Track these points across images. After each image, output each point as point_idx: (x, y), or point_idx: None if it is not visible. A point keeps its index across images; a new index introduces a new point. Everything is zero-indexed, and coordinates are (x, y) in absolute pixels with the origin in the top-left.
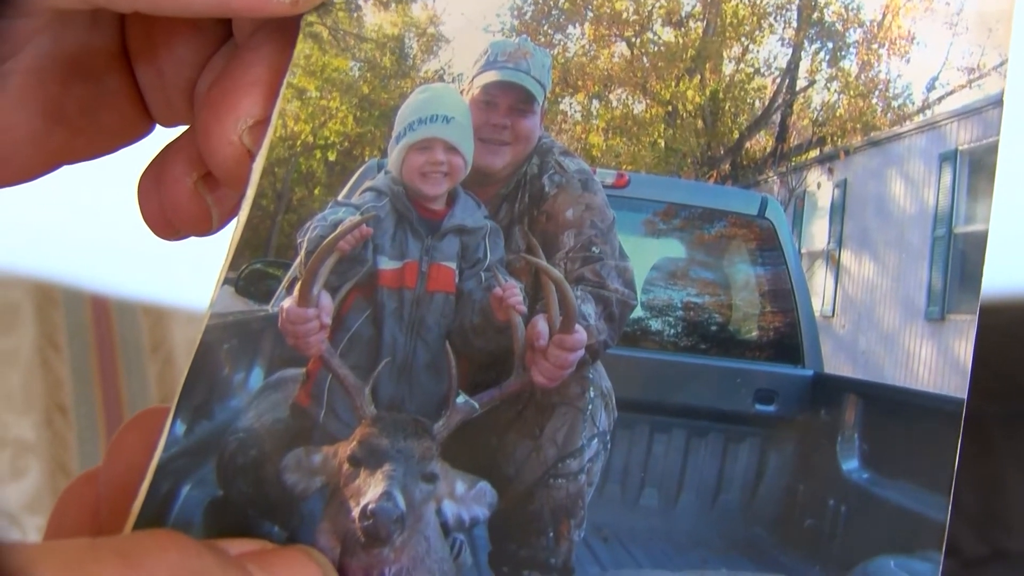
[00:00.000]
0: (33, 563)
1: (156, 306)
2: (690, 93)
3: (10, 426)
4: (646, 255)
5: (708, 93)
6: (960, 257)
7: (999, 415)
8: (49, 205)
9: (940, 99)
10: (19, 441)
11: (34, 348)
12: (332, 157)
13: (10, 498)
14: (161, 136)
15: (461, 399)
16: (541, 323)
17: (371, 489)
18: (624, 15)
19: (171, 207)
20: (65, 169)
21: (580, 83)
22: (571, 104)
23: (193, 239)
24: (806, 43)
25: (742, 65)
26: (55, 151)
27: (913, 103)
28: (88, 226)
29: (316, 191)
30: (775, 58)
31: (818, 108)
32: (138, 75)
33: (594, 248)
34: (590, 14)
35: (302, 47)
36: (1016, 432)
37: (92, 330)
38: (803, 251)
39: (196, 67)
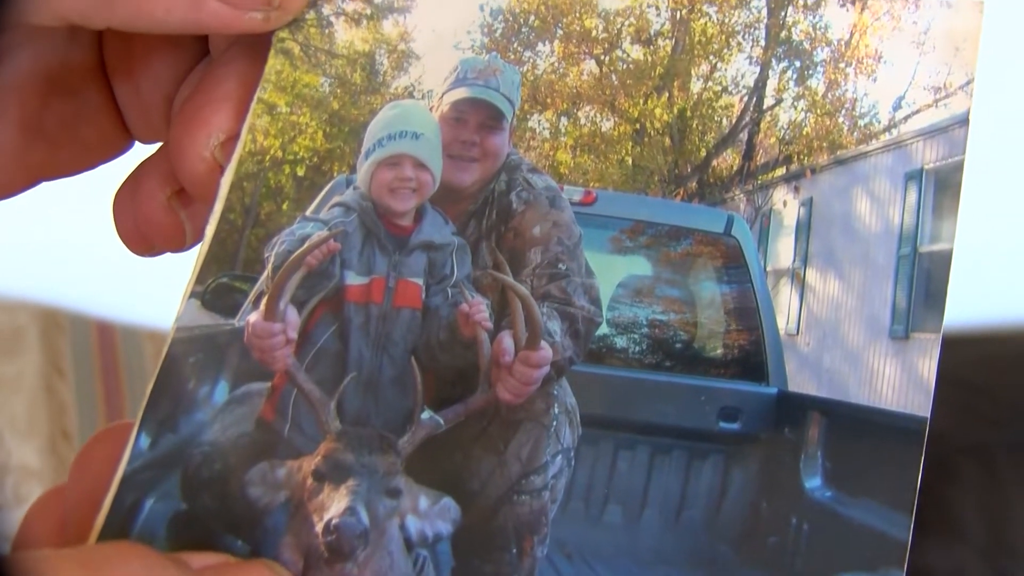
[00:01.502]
0: None
1: (161, 332)
2: (658, 111)
3: (14, 452)
4: (612, 272)
5: (676, 111)
6: (925, 276)
7: (1006, 443)
8: (55, 230)
9: (906, 118)
10: (23, 467)
11: (39, 373)
12: (301, 172)
13: (14, 524)
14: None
15: (426, 415)
16: (507, 339)
17: (335, 504)
18: (593, 33)
19: (145, 222)
20: (73, 194)
21: (549, 100)
22: (540, 121)
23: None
24: (774, 62)
25: (710, 83)
26: (35, 167)
27: (879, 122)
28: (94, 251)
29: (284, 206)
30: (743, 76)
31: (785, 126)
32: (116, 92)
33: (560, 265)
34: (560, 32)
35: (273, 63)
36: (1023, 460)
37: (97, 356)
38: (769, 269)
39: (173, 83)
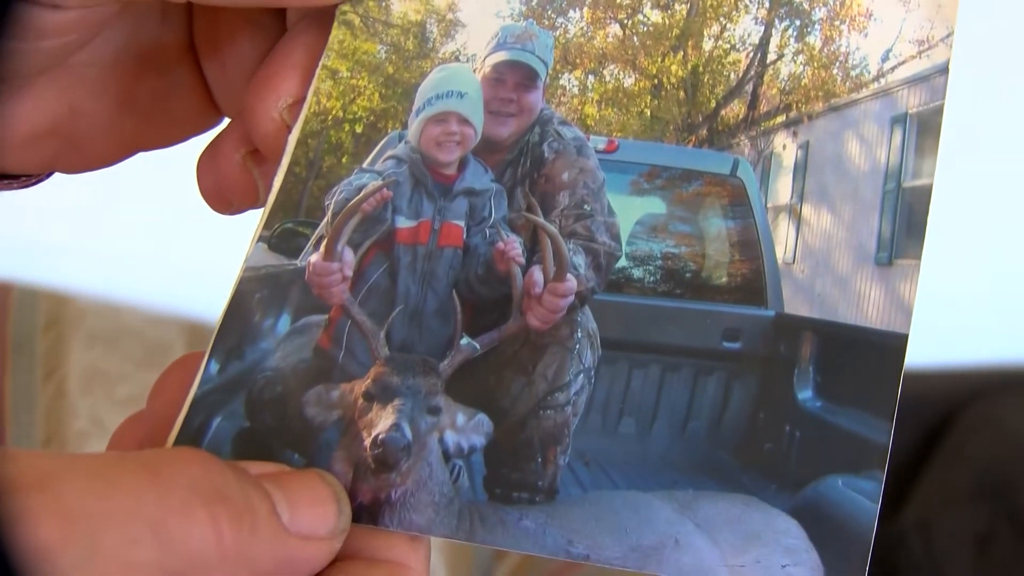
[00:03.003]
0: (58, 472)
1: None
2: (674, 68)
3: None
4: (631, 211)
5: (690, 67)
6: (907, 208)
7: None
8: (199, 245)
9: (893, 68)
10: None
11: None
12: (359, 129)
13: None
14: None
15: (465, 341)
16: (537, 273)
17: (382, 421)
18: (617, 0)
19: (223, 181)
20: (215, 213)
21: (578, 61)
22: (569, 79)
23: None
24: (776, 21)
25: (720, 42)
26: (129, 139)
27: (869, 72)
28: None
29: (344, 159)
30: (749, 35)
31: (785, 79)
32: (205, 70)
33: (586, 206)
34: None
35: (336, 33)
36: None
37: None
38: (769, 205)
39: (256, 61)
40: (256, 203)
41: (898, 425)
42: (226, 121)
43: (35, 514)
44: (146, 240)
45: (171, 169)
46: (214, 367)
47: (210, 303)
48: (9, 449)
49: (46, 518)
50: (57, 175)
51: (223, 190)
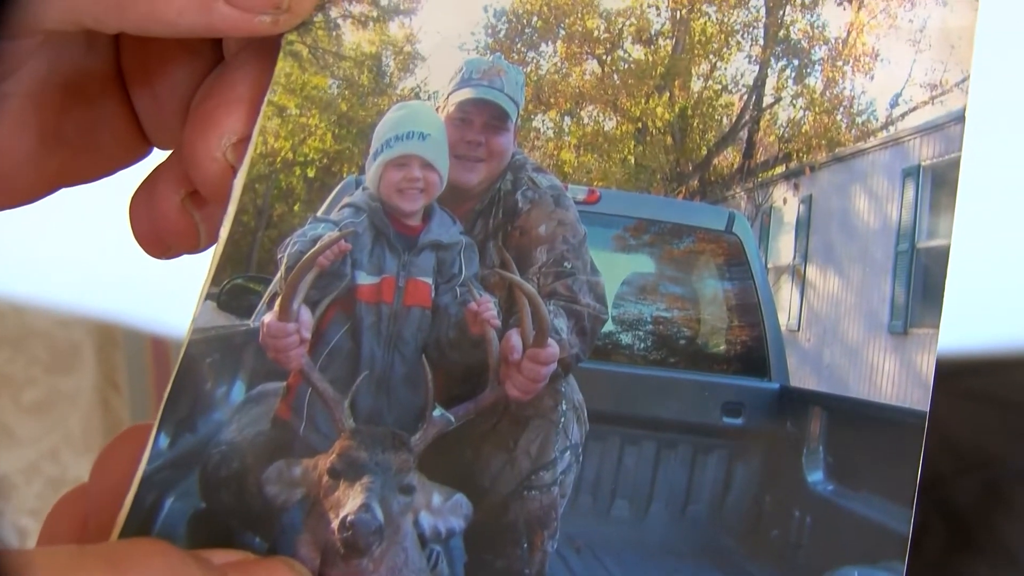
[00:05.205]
0: (22, 568)
1: None
2: (659, 110)
3: (70, 466)
4: (617, 270)
5: (677, 110)
6: (923, 271)
7: None
8: (110, 247)
9: (903, 115)
10: (79, 481)
11: (94, 388)
12: (311, 174)
13: None
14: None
15: (437, 412)
16: (515, 337)
17: (350, 501)
18: (595, 33)
19: (160, 223)
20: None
21: (552, 100)
22: (544, 121)
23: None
24: (772, 60)
25: (710, 82)
26: (54, 173)
27: (877, 119)
28: (149, 268)
29: (296, 207)
30: (742, 75)
31: (784, 125)
32: (134, 99)
33: (566, 263)
34: (562, 32)
35: (282, 65)
36: None
37: (152, 372)
38: (769, 266)
39: (190, 90)
40: (196, 248)
41: None
42: (156, 152)
43: None
44: (51, 240)
45: None
46: (164, 441)
47: (118, 303)
48: None
49: None
50: None
51: (160, 233)
